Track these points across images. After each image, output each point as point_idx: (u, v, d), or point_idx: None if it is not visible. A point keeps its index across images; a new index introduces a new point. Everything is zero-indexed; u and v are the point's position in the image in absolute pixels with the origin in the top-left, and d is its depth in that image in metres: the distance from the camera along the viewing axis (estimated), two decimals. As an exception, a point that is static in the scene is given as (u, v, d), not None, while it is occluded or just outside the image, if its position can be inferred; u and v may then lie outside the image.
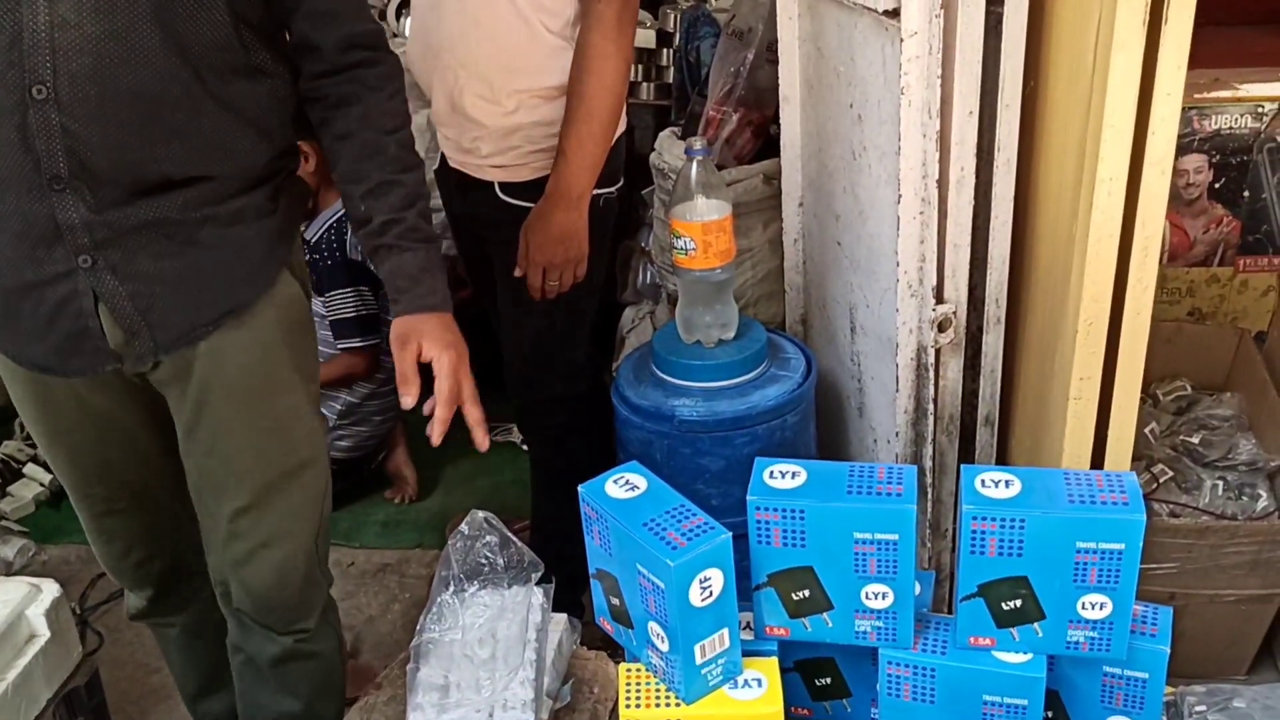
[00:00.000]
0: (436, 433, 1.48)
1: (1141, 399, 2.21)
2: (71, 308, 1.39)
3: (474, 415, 1.49)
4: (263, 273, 1.48)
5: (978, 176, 1.71)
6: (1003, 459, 1.96)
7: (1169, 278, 2.28)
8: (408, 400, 1.47)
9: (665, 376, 1.94)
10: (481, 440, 1.51)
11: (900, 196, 1.67)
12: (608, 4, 1.83)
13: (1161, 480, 2.00)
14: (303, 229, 2.74)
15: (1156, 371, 2.23)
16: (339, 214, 2.72)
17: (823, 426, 2.15)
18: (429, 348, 1.46)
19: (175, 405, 1.53)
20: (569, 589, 2.03)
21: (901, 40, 1.57)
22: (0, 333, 1.47)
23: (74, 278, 1.38)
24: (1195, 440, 2.05)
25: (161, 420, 1.56)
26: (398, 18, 3.63)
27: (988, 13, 1.61)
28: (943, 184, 1.68)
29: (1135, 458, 2.06)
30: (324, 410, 2.72)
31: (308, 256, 2.72)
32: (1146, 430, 2.11)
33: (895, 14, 1.58)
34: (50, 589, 1.80)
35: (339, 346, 2.73)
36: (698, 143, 1.84)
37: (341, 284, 2.67)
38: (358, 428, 2.80)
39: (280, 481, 1.56)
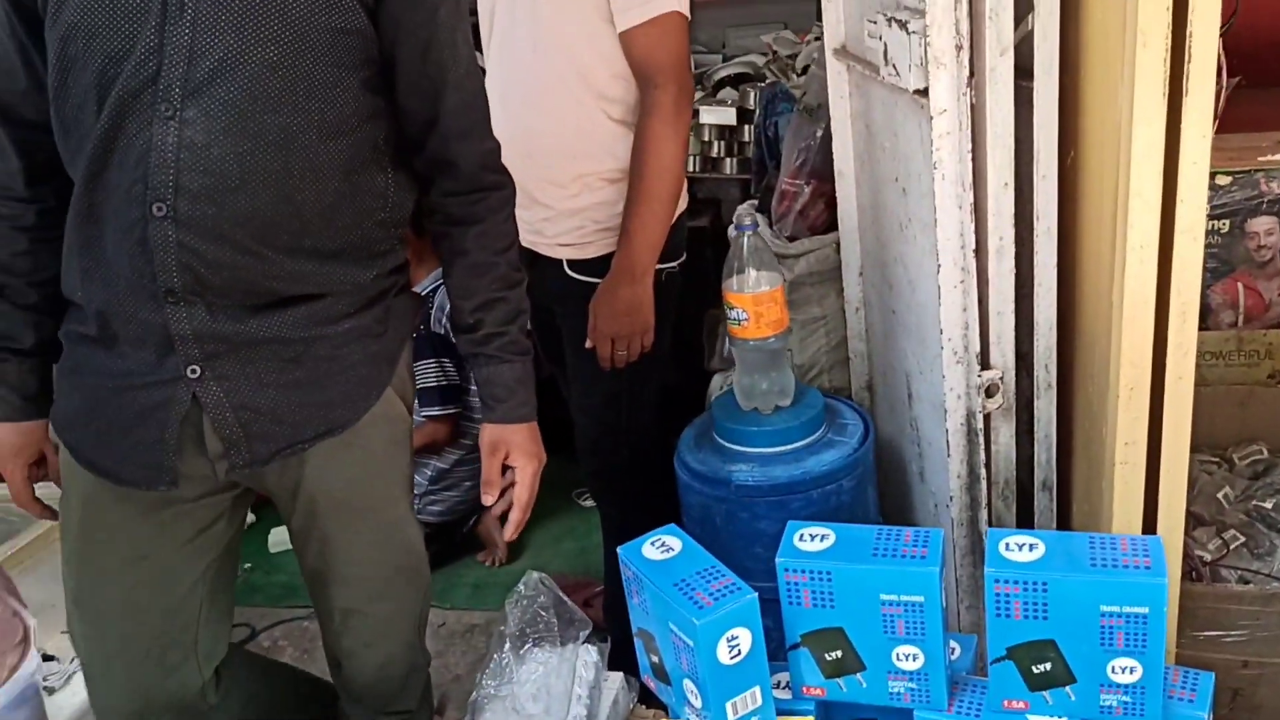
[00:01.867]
0: (510, 534, 1.67)
1: (1216, 463, 2.19)
2: (157, 416, 1.43)
3: (525, 517, 1.66)
4: (366, 395, 1.53)
5: (1021, 245, 1.75)
6: (1064, 524, 1.96)
7: (1245, 340, 2.25)
8: (487, 499, 1.64)
9: (724, 442, 2.00)
10: (511, 532, 1.68)
11: (940, 266, 1.72)
12: (664, 91, 1.94)
13: (1233, 546, 1.97)
14: None
15: (1232, 436, 2.20)
16: (428, 289, 2.89)
17: (889, 492, 2.18)
18: (515, 457, 1.62)
19: (284, 508, 1.59)
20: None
21: (931, 118, 1.63)
22: (74, 427, 1.49)
23: (175, 385, 1.42)
24: (1269, 505, 2.01)
25: (202, 550, 1.56)
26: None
27: (1019, 87, 1.66)
28: (981, 253, 1.72)
29: (1207, 523, 2.04)
30: (416, 477, 2.88)
31: None
32: (1219, 495, 2.08)
33: (926, 93, 1.64)
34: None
35: (421, 414, 2.88)
36: (747, 218, 1.93)
37: (425, 355, 2.83)
38: (448, 493, 2.93)
39: (384, 588, 1.65)
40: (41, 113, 1.43)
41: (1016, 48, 1.63)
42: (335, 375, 1.50)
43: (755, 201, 2.92)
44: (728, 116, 3.22)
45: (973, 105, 1.65)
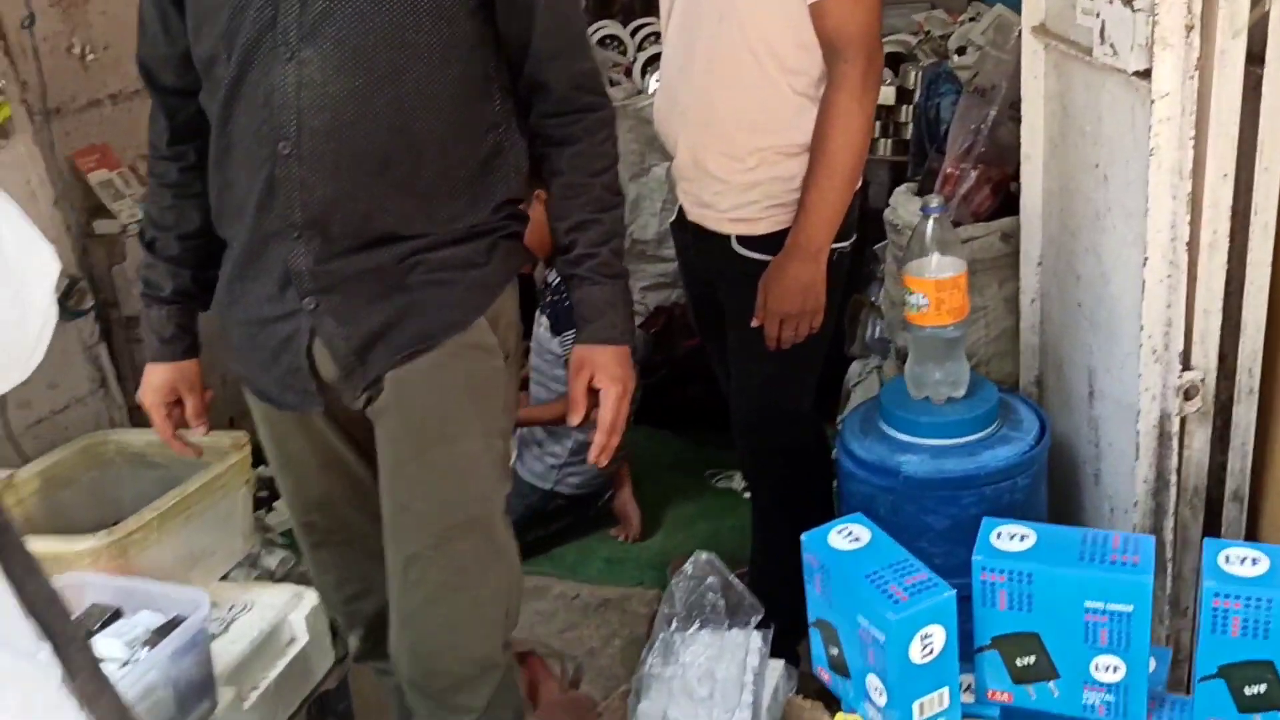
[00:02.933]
0: (592, 455, 1.59)
1: None
2: (292, 346, 1.51)
3: (611, 442, 1.58)
4: (455, 315, 1.53)
5: (1233, 240, 1.65)
6: (1252, 538, 1.86)
7: None
8: (574, 419, 1.60)
9: (892, 431, 1.94)
10: (595, 455, 1.59)
11: (1146, 259, 1.63)
12: (853, 64, 1.88)
13: None
14: (546, 272, 2.89)
15: None
16: None
17: (1055, 492, 2.09)
18: (600, 378, 1.57)
19: (376, 443, 1.58)
20: (785, 637, 2.05)
21: (1152, 102, 1.54)
22: (242, 360, 1.60)
23: (297, 318, 1.50)
24: None
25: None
26: (643, 75, 3.79)
27: (1248, 74, 1.56)
28: (1193, 247, 1.63)
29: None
30: (556, 447, 2.87)
31: (549, 297, 2.87)
32: None
33: (1147, 75, 1.56)
34: (310, 596, 1.96)
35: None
36: (934, 200, 1.85)
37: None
38: (587, 465, 2.92)
39: (450, 534, 1.57)
40: (181, 77, 1.54)
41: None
42: (430, 294, 1.52)
43: (914, 185, 2.84)
44: (885, 96, 3.13)
45: (1196, 90, 1.55)
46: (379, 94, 1.42)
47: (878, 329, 3.27)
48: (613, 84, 3.71)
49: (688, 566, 1.71)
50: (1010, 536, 1.42)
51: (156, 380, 1.67)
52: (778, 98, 1.94)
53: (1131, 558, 1.35)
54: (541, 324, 2.90)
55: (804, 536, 1.49)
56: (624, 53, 4.02)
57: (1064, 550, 1.38)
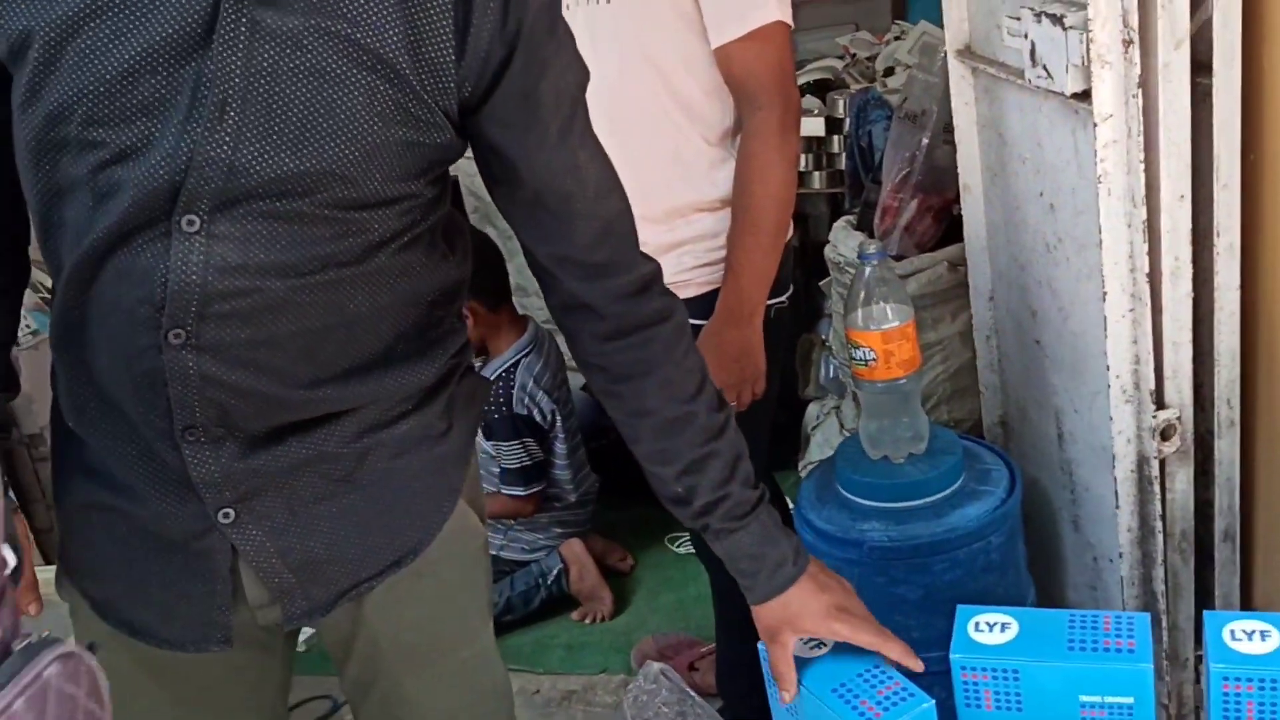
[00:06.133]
0: (905, 660, 1.25)
1: None
2: (200, 567, 1.17)
3: (894, 650, 1.24)
4: (436, 509, 1.25)
5: (1196, 265, 1.52)
6: (1246, 577, 1.72)
7: None
8: (786, 697, 1.27)
9: (851, 496, 1.79)
10: (913, 663, 1.25)
11: (1106, 293, 1.49)
12: (769, 110, 1.73)
13: None
14: None
15: None
16: (508, 363, 2.70)
17: (1032, 542, 1.94)
18: (814, 629, 1.26)
19: (336, 654, 1.32)
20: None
21: (1095, 125, 1.41)
22: (99, 576, 1.22)
23: (209, 536, 1.15)
24: None
25: (257, 706, 1.32)
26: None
27: (1194, 85, 1.43)
28: (1154, 277, 1.50)
29: None
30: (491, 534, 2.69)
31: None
32: None
33: (1086, 96, 1.43)
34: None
35: (503, 491, 2.71)
36: (871, 245, 1.71)
37: (508, 436, 2.65)
38: (527, 535, 2.77)
39: None
40: None
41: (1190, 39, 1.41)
42: (397, 491, 1.22)
43: (852, 218, 2.71)
44: (815, 127, 3.00)
45: (1141, 108, 1.42)
46: (315, 271, 1.06)
47: (831, 368, 3.12)
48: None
49: (640, 679, 1.54)
50: (989, 626, 1.27)
51: None
52: (691, 151, 1.79)
53: (1127, 642, 1.20)
54: None
55: (761, 645, 1.34)
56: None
57: (1051, 639, 1.23)
